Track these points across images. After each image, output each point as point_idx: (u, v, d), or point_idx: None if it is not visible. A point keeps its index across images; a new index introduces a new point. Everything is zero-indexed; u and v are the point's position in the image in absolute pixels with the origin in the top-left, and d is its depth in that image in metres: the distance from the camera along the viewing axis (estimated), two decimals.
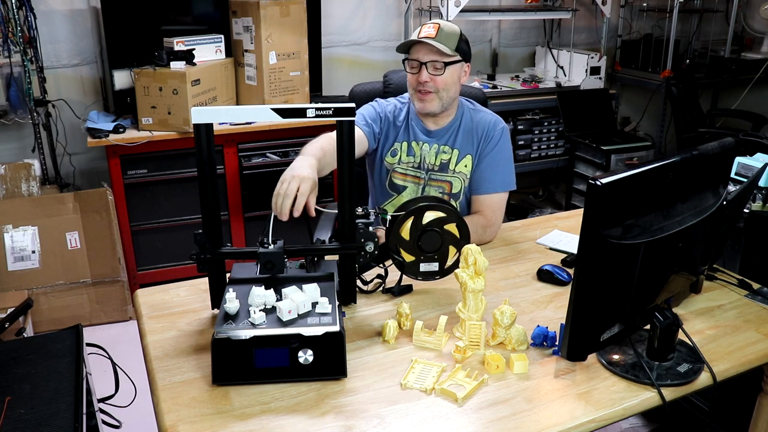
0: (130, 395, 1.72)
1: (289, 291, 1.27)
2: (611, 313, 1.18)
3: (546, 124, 3.98)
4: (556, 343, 1.32)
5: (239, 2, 3.11)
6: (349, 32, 3.82)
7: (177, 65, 2.93)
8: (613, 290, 1.15)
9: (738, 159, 2.12)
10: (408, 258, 1.52)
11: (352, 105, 1.31)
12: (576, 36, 4.27)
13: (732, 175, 2.08)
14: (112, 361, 1.66)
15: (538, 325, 1.35)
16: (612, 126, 4.09)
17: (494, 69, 4.32)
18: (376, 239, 1.41)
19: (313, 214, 1.49)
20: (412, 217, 1.49)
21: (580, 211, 1.18)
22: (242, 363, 1.19)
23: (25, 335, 2.44)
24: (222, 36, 3.19)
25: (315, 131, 1.84)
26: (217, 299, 1.41)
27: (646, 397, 1.19)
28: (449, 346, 1.32)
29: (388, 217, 1.50)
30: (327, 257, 1.51)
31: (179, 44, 3.00)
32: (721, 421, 1.96)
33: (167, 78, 2.89)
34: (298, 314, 1.24)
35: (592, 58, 3.98)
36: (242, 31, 3.14)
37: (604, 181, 1.04)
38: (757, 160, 2.13)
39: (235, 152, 3.15)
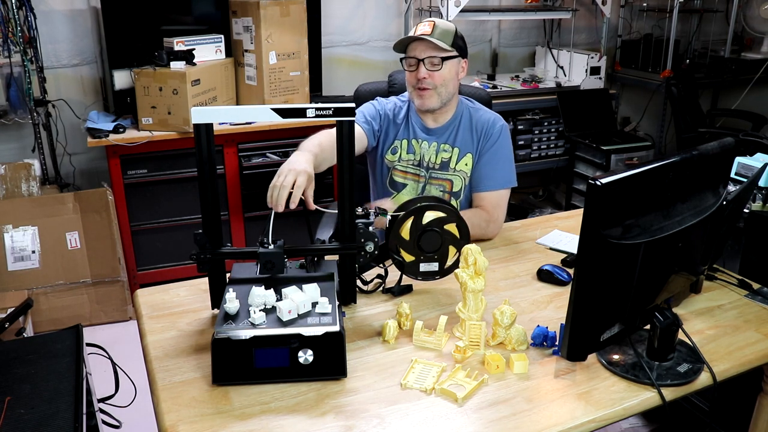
0: (130, 395, 1.72)
1: (289, 291, 1.27)
2: (611, 313, 1.18)
3: (546, 124, 3.98)
4: (556, 343, 1.32)
5: (239, 2, 3.11)
6: (349, 32, 3.82)
7: (177, 65, 2.93)
8: (613, 290, 1.15)
9: (738, 159, 2.12)
10: (408, 258, 1.52)
11: (352, 105, 1.31)
12: (576, 36, 4.27)
13: (732, 175, 2.08)
14: (112, 361, 1.66)
15: (538, 325, 1.35)
16: (612, 126, 4.09)
17: (494, 69, 4.32)
18: (376, 239, 1.41)
19: (312, 207, 1.50)
20: (412, 217, 1.49)
21: (580, 211, 1.18)
22: (242, 363, 1.19)
23: (25, 335, 2.44)
24: (222, 36, 3.19)
25: (315, 131, 1.84)
26: (217, 299, 1.41)
27: (646, 397, 1.19)
28: (449, 346, 1.32)
29: (388, 217, 1.50)
30: (327, 257, 1.51)
31: (179, 44, 3.00)
32: (721, 421, 1.96)
33: (167, 78, 2.89)
34: (298, 314, 1.24)
35: (592, 58, 3.98)
36: (242, 31, 3.14)
37: (604, 181, 1.04)
38: (757, 160, 2.13)
39: (235, 152, 3.15)
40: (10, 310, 2.47)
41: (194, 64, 2.98)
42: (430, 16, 3.86)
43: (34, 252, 2.88)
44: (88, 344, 1.60)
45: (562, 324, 1.28)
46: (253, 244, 1.40)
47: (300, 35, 3.19)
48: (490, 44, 4.30)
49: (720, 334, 1.39)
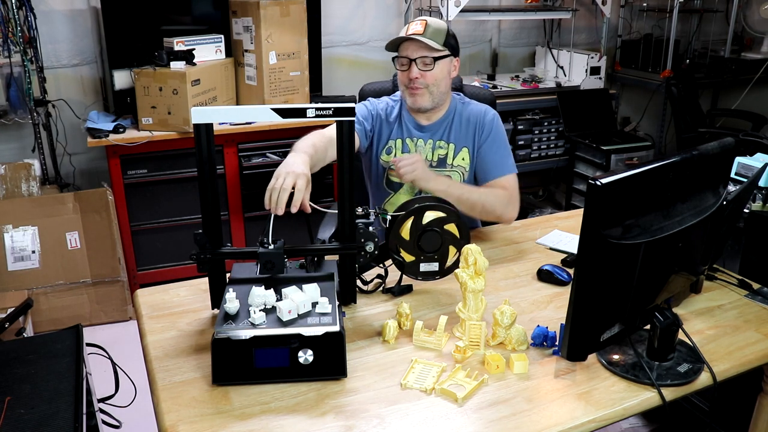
0: (130, 395, 1.72)
1: (289, 291, 1.27)
2: (611, 313, 1.18)
3: (546, 124, 3.98)
4: (556, 343, 1.32)
5: (239, 2, 3.11)
6: (349, 32, 3.82)
7: (177, 65, 2.93)
8: (613, 290, 1.15)
9: (738, 159, 2.12)
10: (408, 258, 1.52)
11: (352, 105, 1.32)
12: (576, 36, 4.27)
13: (732, 175, 2.08)
14: (112, 361, 1.66)
15: (538, 325, 1.35)
16: (612, 126, 4.09)
17: (494, 69, 4.32)
18: (376, 239, 1.41)
19: (309, 210, 1.49)
20: (412, 217, 1.49)
21: (580, 211, 1.18)
22: (242, 363, 1.19)
23: (25, 335, 2.44)
24: (222, 36, 3.19)
25: (321, 128, 1.84)
26: (217, 299, 1.41)
27: (646, 397, 1.19)
28: (449, 346, 1.32)
29: (388, 217, 1.50)
30: (327, 257, 1.51)
31: (179, 44, 3.00)
32: (721, 421, 1.96)
33: (167, 78, 2.89)
34: (298, 314, 1.24)
35: (592, 58, 3.98)
36: (242, 31, 3.14)
37: (604, 181, 1.04)
38: (757, 160, 2.13)
39: (235, 152, 3.15)
40: (10, 310, 2.47)
41: (194, 64, 2.98)
42: (430, 16, 3.86)
43: (34, 252, 2.88)
44: (88, 344, 1.60)
45: (562, 324, 1.28)
46: (253, 244, 1.40)
47: (300, 35, 3.19)
48: (490, 44, 4.30)
49: (720, 334, 1.39)
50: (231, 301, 1.25)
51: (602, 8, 3.96)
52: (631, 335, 1.28)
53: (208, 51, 3.13)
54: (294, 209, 1.44)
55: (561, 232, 1.91)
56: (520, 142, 3.94)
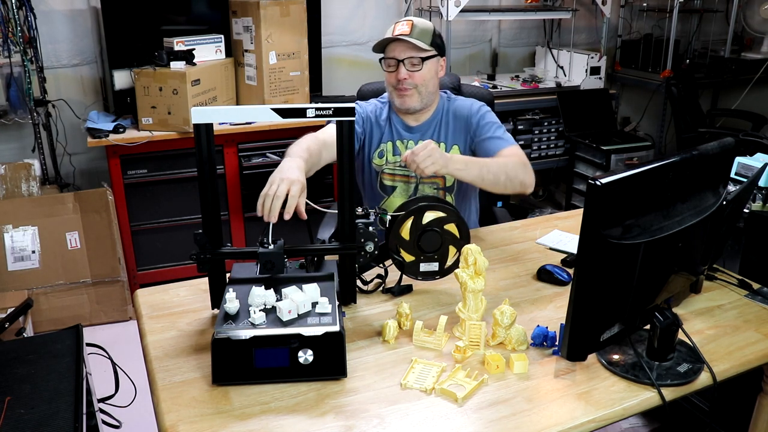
0: (130, 395, 1.72)
1: (289, 291, 1.27)
2: (611, 313, 1.18)
3: (546, 124, 3.98)
4: (556, 343, 1.32)
5: (239, 2, 3.11)
6: (349, 32, 3.82)
7: (177, 65, 2.93)
8: (613, 290, 1.15)
9: (738, 159, 2.12)
10: (408, 258, 1.52)
11: (352, 105, 1.32)
12: (576, 36, 4.27)
13: (732, 175, 2.09)
14: (112, 361, 1.66)
15: (538, 325, 1.35)
16: (612, 126, 4.09)
17: (494, 69, 4.32)
18: (376, 239, 1.41)
19: (305, 216, 1.47)
20: (412, 217, 1.49)
21: (580, 211, 1.18)
22: (242, 363, 1.19)
23: (25, 335, 2.44)
24: (222, 36, 3.19)
25: (314, 131, 1.84)
26: (217, 299, 1.41)
27: (646, 397, 1.19)
28: (449, 346, 1.32)
29: (388, 217, 1.50)
30: (327, 257, 1.51)
31: (179, 44, 3.00)
32: (721, 421, 1.96)
33: (167, 78, 2.89)
34: (298, 314, 1.24)
35: (592, 58, 3.98)
36: (242, 31, 3.14)
37: (604, 181, 1.04)
38: (757, 160, 2.13)
39: (235, 152, 3.15)
40: (10, 310, 2.47)
41: (194, 64, 2.98)
42: (430, 17, 3.86)
43: (34, 252, 2.88)
44: (88, 344, 1.60)
45: (562, 324, 1.28)
46: (253, 244, 1.40)
47: (300, 35, 3.19)
48: (490, 44, 4.30)
49: (720, 334, 1.39)
50: (231, 301, 1.25)
51: (602, 8, 3.96)
52: (631, 335, 1.28)
53: (208, 51, 3.13)
54: (287, 216, 1.42)
55: (561, 232, 1.91)
56: (520, 142, 3.93)
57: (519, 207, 4.22)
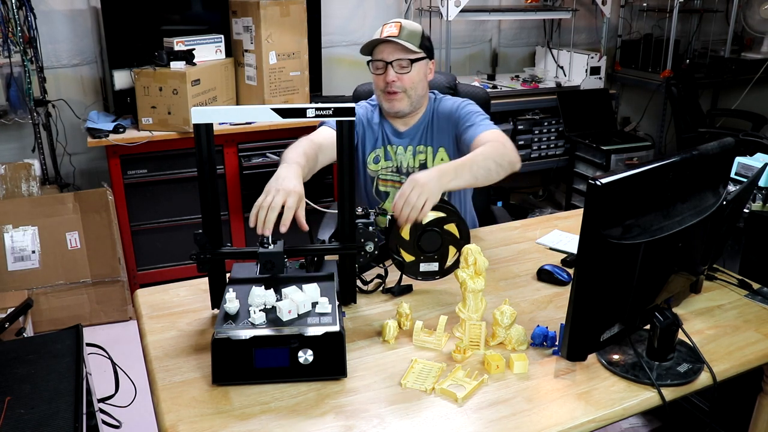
0: (130, 395, 1.72)
1: (289, 291, 1.27)
2: (611, 313, 1.18)
3: (546, 124, 3.98)
4: (556, 343, 1.32)
5: (239, 2, 3.11)
6: (349, 32, 3.82)
7: (177, 65, 2.93)
8: (613, 290, 1.15)
9: (738, 159, 2.12)
10: (408, 258, 1.52)
11: (352, 105, 1.32)
12: (576, 36, 4.27)
13: (732, 175, 2.09)
14: (112, 361, 1.66)
15: (538, 325, 1.35)
16: (612, 126, 4.10)
17: (494, 69, 4.32)
18: (376, 239, 1.41)
19: (306, 228, 1.43)
20: None
21: (580, 211, 1.18)
22: (242, 363, 1.19)
23: (25, 335, 2.44)
24: (222, 36, 3.19)
25: (310, 132, 1.83)
26: (217, 299, 1.41)
27: (646, 397, 1.19)
28: (449, 346, 1.32)
29: (388, 217, 1.50)
30: (327, 257, 1.51)
31: (179, 44, 3.00)
32: (721, 421, 1.96)
33: (167, 78, 2.89)
34: (298, 314, 1.24)
35: (592, 58, 3.98)
36: (242, 31, 3.14)
37: (604, 181, 1.04)
38: (757, 160, 2.13)
39: (235, 152, 3.15)
40: (10, 310, 2.47)
41: (194, 64, 2.98)
42: (430, 17, 3.86)
43: (34, 252, 2.88)
44: (88, 344, 1.60)
45: (562, 324, 1.28)
46: (253, 244, 1.40)
47: (300, 35, 3.19)
48: (490, 44, 4.30)
49: (720, 334, 1.39)
50: (231, 301, 1.25)
51: (602, 8, 3.96)
52: (631, 335, 1.28)
53: (208, 51, 3.13)
54: (283, 229, 1.36)
55: (561, 232, 1.91)
56: (520, 142, 3.93)
57: (519, 207, 4.23)
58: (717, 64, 4.32)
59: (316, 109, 1.29)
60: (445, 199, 1.52)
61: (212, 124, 1.31)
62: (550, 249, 1.81)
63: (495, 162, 1.60)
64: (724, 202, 1.29)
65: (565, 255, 1.75)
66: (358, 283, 1.53)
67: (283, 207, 1.38)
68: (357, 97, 2.20)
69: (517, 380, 1.23)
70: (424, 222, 1.47)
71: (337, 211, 1.41)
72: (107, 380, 1.66)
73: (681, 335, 1.29)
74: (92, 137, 2.90)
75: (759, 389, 1.46)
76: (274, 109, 1.30)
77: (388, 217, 1.50)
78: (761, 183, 2.06)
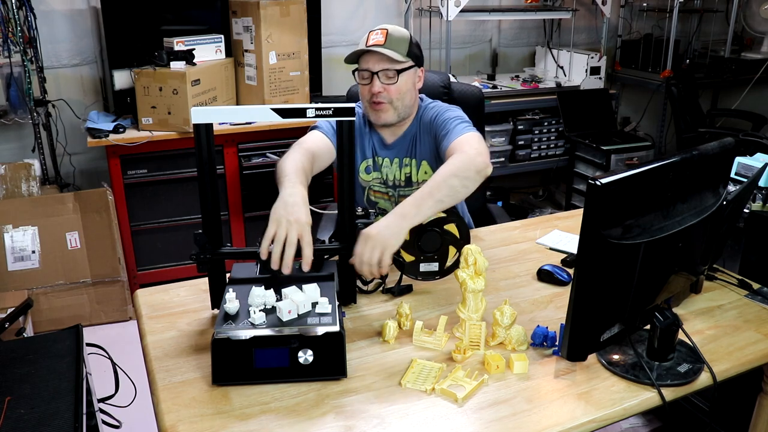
0: (130, 395, 1.72)
1: (289, 291, 1.27)
2: (611, 313, 1.18)
3: (546, 124, 3.98)
4: (556, 343, 1.32)
5: (239, 2, 3.11)
6: (349, 32, 3.82)
7: (177, 65, 2.93)
8: (613, 290, 1.15)
9: (738, 159, 2.12)
10: (408, 258, 1.52)
11: (352, 105, 1.31)
12: (576, 36, 4.27)
13: (732, 175, 2.08)
14: (112, 361, 1.66)
15: (538, 325, 1.35)
16: (612, 126, 4.10)
17: (494, 69, 4.32)
18: None
19: (309, 267, 1.36)
20: None
21: (580, 211, 1.18)
22: (242, 363, 1.19)
23: (25, 335, 2.44)
24: (222, 36, 3.19)
25: (306, 135, 1.81)
26: (217, 299, 1.41)
27: (646, 397, 1.19)
28: (449, 346, 1.32)
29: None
30: (327, 257, 1.51)
31: (179, 44, 3.00)
32: (721, 421, 1.96)
33: (167, 78, 2.89)
34: (298, 314, 1.24)
35: (592, 58, 3.98)
36: (242, 31, 3.14)
37: (604, 181, 1.04)
38: (757, 160, 2.13)
39: (235, 152, 3.15)
40: (10, 310, 2.47)
41: (194, 64, 2.98)
42: (430, 17, 3.86)
43: (34, 252, 2.88)
44: (88, 344, 1.60)
45: (562, 324, 1.28)
46: (253, 244, 1.40)
47: (300, 35, 3.19)
48: (490, 44, 4.30)
49: (720, 334, 1.39)
50: (231, 301, 1.25)
51: (602, 8, 3.96)
52: (631, 335, 1.28)
53: (208, 51, 3.13)
54: (306, 268, 1.34)
55: (561, 232, 1.91)
56: (520, 142, 3.94)
57: (519, 207, 4.23)
58: (717, 64, 4.32)
59: (316, 109, 1.29)
60: None
61: (212, 124, 1.31)
62: (550, 249, 1.81)
63: (457, 177, 1.50)
64: (724, 202, 1.29)
65: (565, 255, 1.75)
66: (358, 283, 1.53)
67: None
68: (350, 98, 2.14)
69: (517, 380, 1.23)
70: (423, 223, 1.47)
71: (335, 212, 1.41)
72: (107, 380, 1.66)
73: (681, 335, 1.29)
74: (92, 137, 2.90)
75: (759, 389, 1.46)
76: (274, 109, 1.30)
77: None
78: (761, 183, 2.06)
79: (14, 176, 2.97)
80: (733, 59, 4.32)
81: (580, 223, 1.06)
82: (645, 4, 4.42)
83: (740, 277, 1.62)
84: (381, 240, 1.39)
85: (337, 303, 1.28)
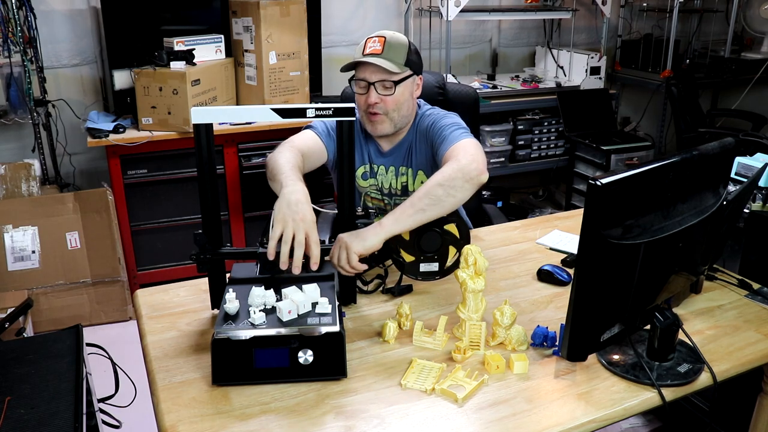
0: (130, 395, 1.72)
1: (289, 291, 1.27)
2: (611, 313, 1.18)
3: (546, 124, 3.98)
4: (556, 343, 1.32)
5: (239, 2, 3.11)
6: (349, 32, 3.82)
7: (177, 65, 2.93)
8: (613, 290, 1.15)
9: (738, 159, 2.12)
10: (408, 258, 1.52)
11: (352, 105, 1.32)
12: (576, 36, 4.27)
13: (732, 175, 2.08)
14: (112, 361, 1.66)
15: (538, 325, 1.35)
16: (612, 126, 4.10)
17: (494, 69, 4.32)
18: None
19: (316, 267, 1.36)
20: None
21: (580, 211, 1.18)
22: (242, 363, 1.19)
23: (25, 335, 2.44)
24: (222, 36, 3.19)
25: (299, 134, 1.80)
26: (217, 299, 1.41)
27: (646, 397, 1.19)
28: (449, 346, 1.32)
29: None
30: (327, 257, 1.51)
31: (179, 44, 3.00)
32: (721, 421, 1.96)
33: (167, 78, 2.89)
34: (298, 314, 1.24)
35: (592, 58, 3.98)
36: (242, 31, 3.14)
37: (604, 181, 1.04)
38: (757, 160, 2.13)
39: (235, 152, 3.15)
40: (10, 310, 2.47)
41: (194, 64, 2.98)
42: (430, 17, 3.86)
43: (34, 252, 2.88)
44: (88, 344, 1.60)
45: (562, 324, 1.28)
46: (253, 244, 1.40)
47: (300, 35, 3.19)
48: (490, 44, 4.30)
49: (720, 334, 1.39)
50: (231, 301, 1.25)
51: (602, 8, 3.96)
52: (631, 335, 1.28)
53: (208, 51, 3.13)
54: (315, 266, 1.33)
55: (561, 232, 1.91)
56: (520, 142, 3.93)
57: (519, 207, 4.23)
58: (717, 64, 4.32)
59: (316, 109, 1.29)
60: None
61: (212, 124, 1.31)
62: (550, 249, 1.81)
63: (443, 187, 1.46)
64: (724, 202, 1.29)
65: (565, 255, 1.75)
66: (358, 283, 1.53)
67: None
68: (345, 98, 2.11)
69: (517, 380, 1.23)
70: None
71: (332, 211, 1.41)
72: (107, 380, 1.66)
73: (681, 335, 1.29)
74: (92, 137, 2.90)
75: (759, 389, 1.46)
76: (274, 109, 1.30)
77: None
78: (761, 183, 2.06)
79: (14, 176, 2.97)
80: (733, 59, 4.32)
81: (580, 223, 1.06)
82: (645, 4, 4.42)
83: (740, 277, 1.62)
84: (345, 241, 1.40)
85: (337, 303, 1.28)
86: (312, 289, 1.28)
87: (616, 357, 1.28)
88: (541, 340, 1.33)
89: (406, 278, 1.56)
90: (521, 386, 1.21)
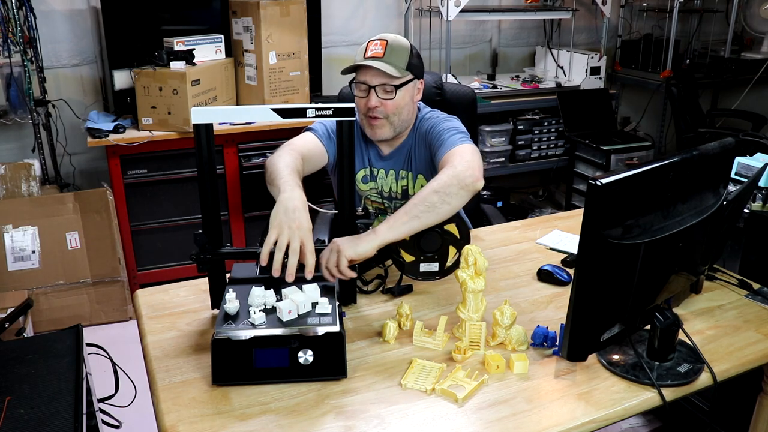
0: (130, 395, 1.72)
1: (289, 291, 1.27)
2: (611, 313, 1.18)
3: (546, 124, 3.98)
4: (556, 343, 1.32)
5: (239, 2, 3.11)
6: (349, 32, 3.82)
7: (177, 65, 2.93)
8: (613, 290, 1.15)
9: (738, 159, 2.12)
10: (408, 258, 1.52)
11: (352, 105, 1.32)
12: (576, 36, 4.27)
13: (732, 175, 2.08)
14: (112, 361, 1.66)
15: (538, 325, 1.35)
16: (612, 126, 4.10)
17: (494, 69, 4.32)
18: None
19: (311, 276, 1.33)
20: None
21: (580, 211, 1.18)
22: (242, 363, 1.19)
23: (25, 335, 2.44)
24: (222, 36, 3.19)
25: (298, 136, 1.80)
26: (217, 299, 1.41)
27: (646, 397, 1.19)
28: (449, 346, 1.32)
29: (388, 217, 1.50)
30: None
31: (179, 44, 3.00)
32: (721, 421, 1.96)
33: (167, 78, 2.89)
34: (298, 314, 1.24)
35: (592, 58, 3.98)
36: (242, 31, 3.14)
37: (604, 181, 1.04)
38: (757, 160, 2.13)
39: (235, 152, 3.15)
40: (10, 310, 2.47)
41: (194, 64, 2.98)
42: (430, 17, 3.86)
43: (34, 252, 2.88)
44: (88, 344, 1.60)
45: (562, 324, 1.28)
46: (253, 244, 1.40)
47: (300, 35, 3.19)
48: (490, 44, 4.30)
49: (720, 334, 1.39)
50: (231, 301, 1.25)
51: (602, 8, 3.96)
52: (631, 335, 1.28)
53: (208, 51, 3.13)
54: (309, 276, 1.31)
55: (561, 232, 1.91)
56: (520, 142, 3.93)
57: (519, 207, 4.23)
58: (717, 64, 4.32)
59: (316, 109, 1.29)
60: None
61: (212, 124, 1.31)
62: (550, 249, 1.81)
63: (438, 194, 1.45)
64: (725, 202, 1.29)
65: (565, 255, 1.75)
66: (358, 283, 1.53)
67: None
68: (342, 98, 2.10)
69: (518, 380, 1.23)
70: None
71: (331, 211, 1.41)
72: (107, 380, 1.66)
73: (681, 335, 1.29)
74: (92, 137, 2.90)
75: (759, 389, 1.46)
76: (274, 109, 1.30)
77: (388, 216, 1.50)
78: (761, 183, 2.06)
79: (14, 176, 2.97)
80: (733, 59, 4.32)
81: (580, 223, 1.06)
82: (645, 4, 4.42)
83: (740, 277, 1.62)
84: (338, 245, 1.38)
85: (337, 303, 1.28)
86: (312, 289, 1.28)
87: (616, 357, 1.28)
88: (541, 340, 1.33)
89: (406, 278, 1.56)
90: (521, 386, 1.21)
